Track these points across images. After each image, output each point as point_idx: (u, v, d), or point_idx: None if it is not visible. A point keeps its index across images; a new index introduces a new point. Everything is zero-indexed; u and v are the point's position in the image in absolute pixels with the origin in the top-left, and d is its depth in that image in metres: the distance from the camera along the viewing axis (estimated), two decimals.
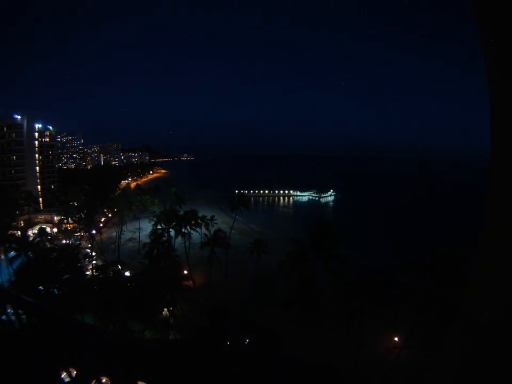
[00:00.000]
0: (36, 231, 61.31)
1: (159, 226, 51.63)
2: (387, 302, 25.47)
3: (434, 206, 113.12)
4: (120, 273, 39.66)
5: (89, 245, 55.97)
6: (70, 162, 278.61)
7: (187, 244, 50.84)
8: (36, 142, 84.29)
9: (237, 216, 66.30)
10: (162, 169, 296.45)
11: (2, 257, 47.30)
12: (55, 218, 70.36)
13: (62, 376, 5.25)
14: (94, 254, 53.34)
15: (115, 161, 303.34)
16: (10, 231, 50.70)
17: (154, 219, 54.91)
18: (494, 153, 3.29)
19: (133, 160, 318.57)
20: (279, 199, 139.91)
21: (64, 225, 67.79)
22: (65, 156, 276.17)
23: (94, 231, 56.92)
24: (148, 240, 48.39)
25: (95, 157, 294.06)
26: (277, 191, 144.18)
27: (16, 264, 39.28)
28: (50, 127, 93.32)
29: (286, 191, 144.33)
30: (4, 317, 5.92)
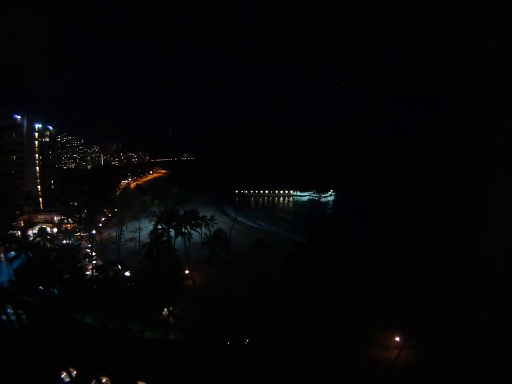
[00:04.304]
0: (36, 231, 61.34)
1: (159, 226, 51.66)
2: (387, 301, 25.52)
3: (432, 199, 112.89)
4: (120, 273, 39.69)
5: (89, 245, 55.97)
6: (70, 162, 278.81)
7: (187, 243, 50.85)
8: (36, 142, 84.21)
9: (237, 217, 66.40)
10: (163, 169, 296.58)
11: (2, 257, 47.33)
12: (55, 218, 70.38)
13: (62, 376, 5.25)
14: (94, 254, 53.32)
15: (115, 161, 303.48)
16: (10, 231, 50.68)
17: (155, 219, 54.91)
18: (493, 152, 3.29)
19: (133, 160, 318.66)
20: (279, 199, 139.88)
21: (64, 225, 67.80)
22: (65, 155, 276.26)
23: (94, 231, 56.94)
24: (148, 240, 48.41)
25: (95, 157, 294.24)
26: (277, 191, 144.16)
27: (16, 264, 39.28)
28: (50, 127, 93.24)
29: (286, 191, 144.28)
30: (4, 317, 5.92)
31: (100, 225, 69.78)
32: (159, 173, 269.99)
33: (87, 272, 45.04)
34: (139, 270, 37.82)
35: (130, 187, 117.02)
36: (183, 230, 50.78)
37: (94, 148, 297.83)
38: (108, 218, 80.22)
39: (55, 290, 34.19)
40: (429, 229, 75.15)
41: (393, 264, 41.87)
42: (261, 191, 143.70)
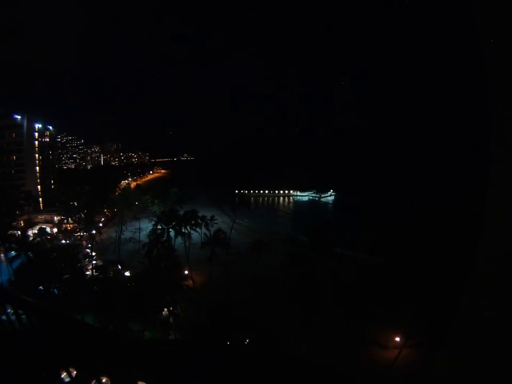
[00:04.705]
0: (36, 231, 61.36)
1: (159, 226, 51.64)
2: (387, 301, 25.51)
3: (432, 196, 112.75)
4: (120, 273, 39.70)
5: (89, 245, 55.96)
6: (70, 162, 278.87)
7: (187, 244, 50.82)
8: (36, 142, 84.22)
9: (237, 217, 66.35)
10: (163, 169, 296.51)
11: (2, 257, 47.34)
12: (55, 218, 70.33)
13: (62, 376, 5.25)
14: (94, 254, 53.32)
15: (115, 161, 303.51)
16: (10, 231, 50.68)
17: (154, 219, 54.90)
18: (493, 152, 3.29)
19: (133, 160, 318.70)
20: (279, 199, 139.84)
21: (64, 225, 67.78)
22: (65, 155, 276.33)
23: (94, 231, 56.93)
24: (148, 240, 48.39)
25: (95, 157, 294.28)
26: (277, 191, 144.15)
27: (16, 264, 39.31)
28: (50, 127, 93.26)
29: (286, 191, 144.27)
30: (4, 317, 5.92)
31: (100, 225, 69.77)
32: (159, 173, 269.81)
33: (87, 272, 45.03)
34: (139, 270, 37.79)
35: (130, 187, 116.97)
36: (183, 230, 50.77)
37: (94, 148, 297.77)
38: (107, 218, 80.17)
39: (55, 290, 34.21)
40: (429, 229, 75.17)
41: (393, 264, 41.86)
42: (261, 191, 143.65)
